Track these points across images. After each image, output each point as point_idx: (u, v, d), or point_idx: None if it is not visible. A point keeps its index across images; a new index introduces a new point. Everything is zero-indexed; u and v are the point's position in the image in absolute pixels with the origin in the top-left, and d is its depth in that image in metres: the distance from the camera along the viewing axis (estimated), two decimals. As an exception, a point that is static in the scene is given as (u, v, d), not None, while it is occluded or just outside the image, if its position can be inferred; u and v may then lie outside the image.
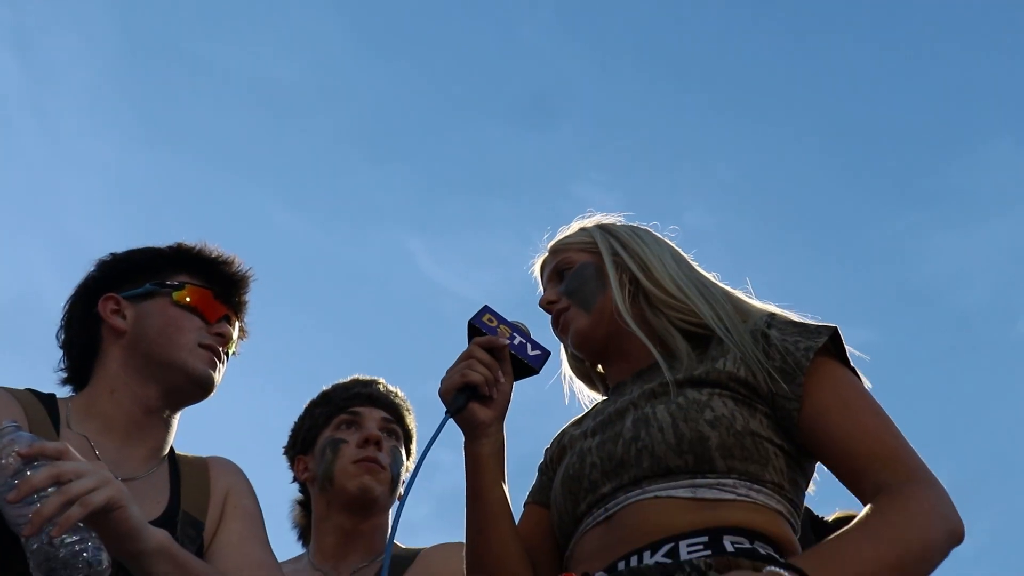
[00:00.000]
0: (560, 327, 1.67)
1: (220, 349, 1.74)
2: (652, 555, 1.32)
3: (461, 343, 1.59)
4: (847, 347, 1.46)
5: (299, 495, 2.38)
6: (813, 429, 1.39)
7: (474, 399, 1.52)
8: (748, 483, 1.37)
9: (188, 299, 1.73)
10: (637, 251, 1.62)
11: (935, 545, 1.24)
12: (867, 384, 1.46)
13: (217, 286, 1.79)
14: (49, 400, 1.64)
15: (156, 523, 1.43)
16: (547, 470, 1.68)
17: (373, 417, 2.23)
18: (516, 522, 1.58)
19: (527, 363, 1.57)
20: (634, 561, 1.32)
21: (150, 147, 6.77)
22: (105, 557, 1.23)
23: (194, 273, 1.78)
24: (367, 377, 2.36)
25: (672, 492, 1.37)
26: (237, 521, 1.64)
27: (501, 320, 1.59)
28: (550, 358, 1.60)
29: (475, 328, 1.59)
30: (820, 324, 1.47)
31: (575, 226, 1.75)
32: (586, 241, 1.69)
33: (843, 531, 1.24)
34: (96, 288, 1.76)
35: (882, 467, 1.32)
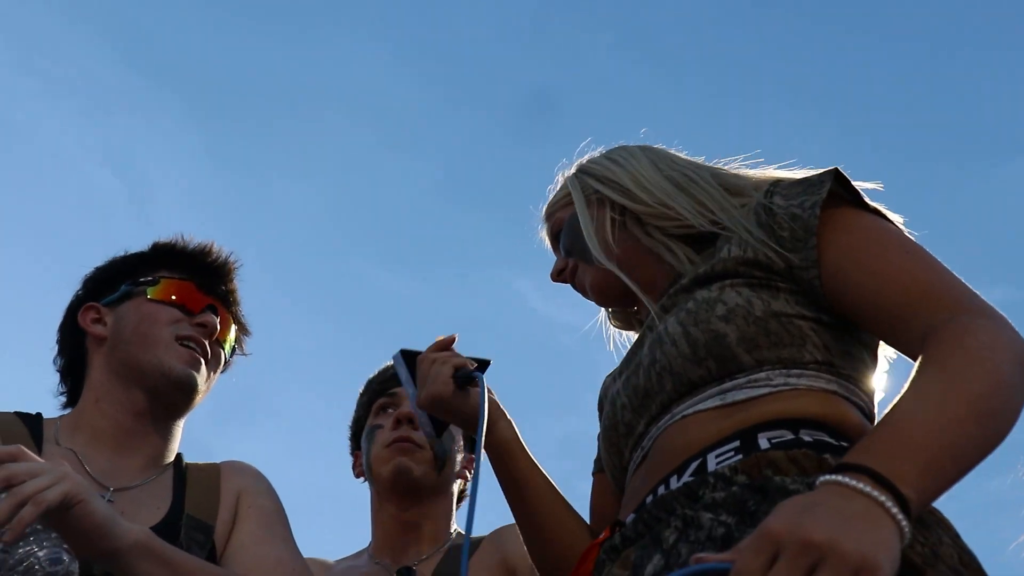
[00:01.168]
0: (580, 290, 1.59)
1: (204, 342, 1.64)
2: (679, 479, 1.18)
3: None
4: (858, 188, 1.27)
5: None
6: (839, 292, 1.21)
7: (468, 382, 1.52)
8: (784, 370, 1.21)
9: (164, 293, 1.65)
10: (613, 178, 1.49)
11: (1008, 379, 1.01)
12: (896, 220, 1.27)
13: (199, 277, 1.70)
14: (35, 420, 1.58)
15: (155, 529, 1.35)
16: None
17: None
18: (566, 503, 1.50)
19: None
20: (662, 491, 1.19)
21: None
22: (67, 557, 1.15)
23: (172, 267, 1.71)
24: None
25: (700, 406, 1.23)
26: (251, 521, 1.54)
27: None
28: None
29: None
30: (821, 172, 1.29)
31: (558, 181, 1.64)
32: (566, 194, 1.59)
33: (897, 402, 1.01)
34: (79, 303, 1.71)
35: (922, 308, 1.11)
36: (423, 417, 1.63)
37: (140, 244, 1.76)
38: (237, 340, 1.79)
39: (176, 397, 1.61)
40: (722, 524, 1.07)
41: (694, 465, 1.18)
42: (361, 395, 2.21)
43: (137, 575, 1.24)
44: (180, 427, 1.68)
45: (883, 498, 0.89)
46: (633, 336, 1.61)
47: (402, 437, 2.01)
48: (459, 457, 2.11)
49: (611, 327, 1.67)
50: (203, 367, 1.64)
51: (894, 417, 0.99)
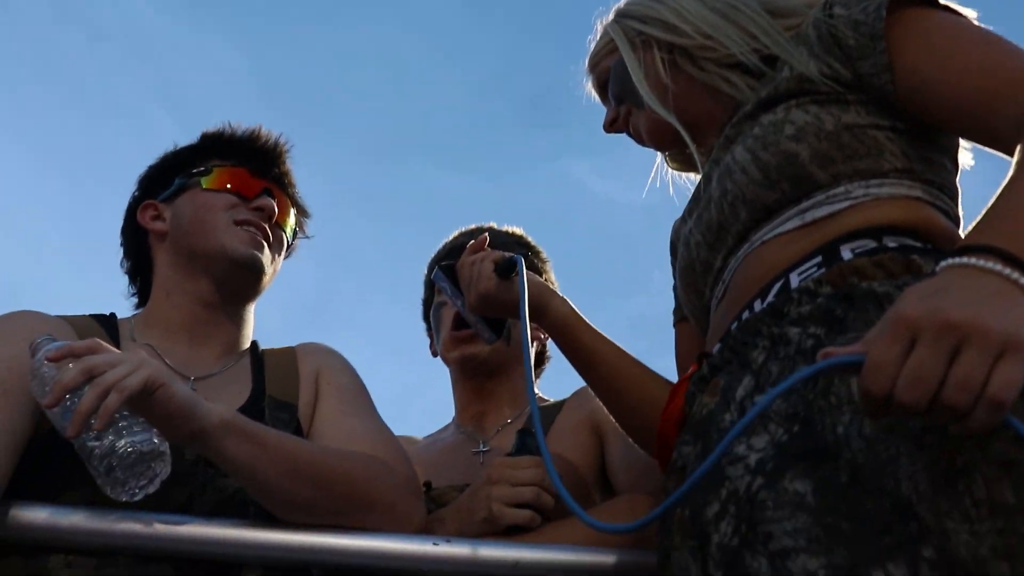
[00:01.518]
0: (635, 136, 1.55)
1: (264, 225, 1.64)
2: (763, 301, 1.17)
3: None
4: None
5: None
6: (915, 93, 1.16)
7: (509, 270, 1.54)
8: (863, 181, 1.18)
9: (218, 181, 1.65)
10: (655, 15, 1.44)
11: None
12: (970, 14, 1.21)
13: (250, 162, 1.70)
14: (109, 320, 1.59)
15: (241, 411, 1.34)
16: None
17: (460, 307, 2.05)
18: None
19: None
20: (746, 316, 1.18)
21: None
22: (157, 440, 1.15)
23: (223, 156, 1.70)
24: (473, 227, 2.14)
25: (779, 230, 1.21)
26: (331, 397, 1.55)
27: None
28: None
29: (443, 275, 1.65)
30: None
31: (597, 30, 1.58)
32: (608, 41, 1.54)
33: (1008, 185, 0.97)
34: (137, 203, 1.72)
35: (1012, 95, 1.06)
36: (479, 323, 1.66)
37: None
38: (298, 223, 1.78)
39: (242, 280, 1.62)
40: (811, 336, 1.06)
41: (777, 286, 1.17)
42: (427, 276, 2.18)
43: (227, 454, 1.23)
44: (251, 313, 1.68)
45: (1015, 275, 0.85)
46: (695, 178, 1.59)
47: (460, 335, 1.97)
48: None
49: (669, 170, 1.64)
50: (266, 249, 1.64)
51: (1009, 199, 0.95)
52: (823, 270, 1.12)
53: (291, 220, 1.75)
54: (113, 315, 1.61)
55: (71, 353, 1.18)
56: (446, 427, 2.09)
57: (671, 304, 1.58)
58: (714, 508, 1.01)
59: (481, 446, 1.91)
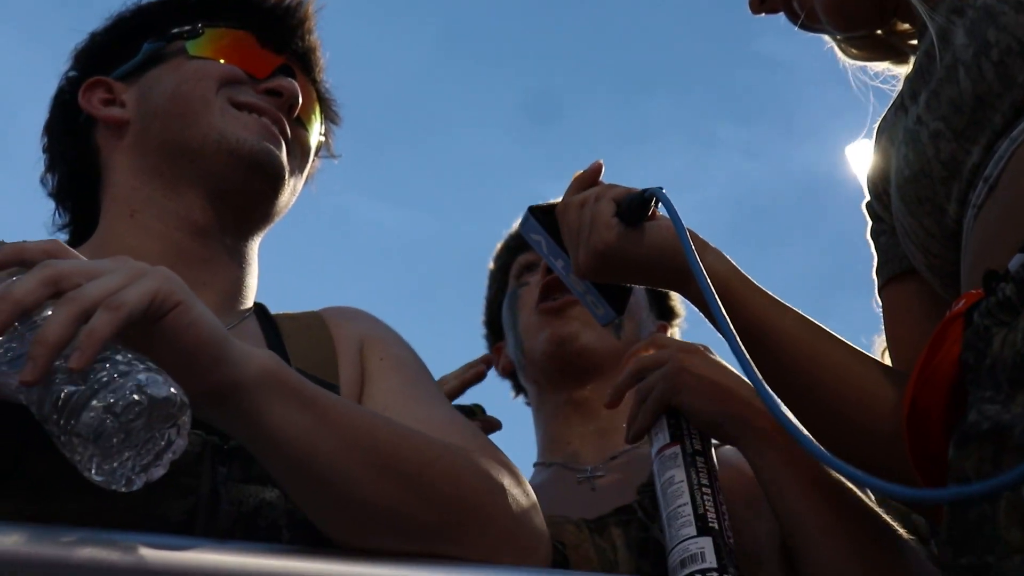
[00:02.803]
0: (800, 14, 1.12)
1: (280, 116, 1.12)
2: None
3: None
4: None
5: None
6: None
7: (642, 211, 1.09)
8: None
9: (212, 48, 1.13)
10: None
11: None
12: None
13: (261, 27, 1.17)
14: None
15: None
16: (882, 217, 1.10)
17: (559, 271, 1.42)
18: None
19: None
20: None
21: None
22: (174, 389, 0.68)
23: (218, 16, 1.17)
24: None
25: None
26: (390, 377, 1.04)
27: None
28: None
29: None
30: None
31: None
32: None
33: None
34: (75, 86, 1.17)
35: None
36: (590, 292, 1.17)
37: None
38: (325, 130, 1.25)
39: (250, 190, 1.09)
40: None
41: None
42: (493, 267, 1.69)
43: (270, 422, 0.77)
44: (255, 251, 1.17)
45: None
46: (878, 69, 1.18)
47: (551, 305, 1.46)
48: (645, 318, 1.56)
49: (845, 60, 1.21)
50: (283, 148, 1.12)
51: None
52: None
53: (316, 120, 1.22)
54: None
55: (19, 259, 0.74)
56: (537, 470, 1.49)
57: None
58: None
59: (589, 471, 1.38)
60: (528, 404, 1.61)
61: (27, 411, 0.69)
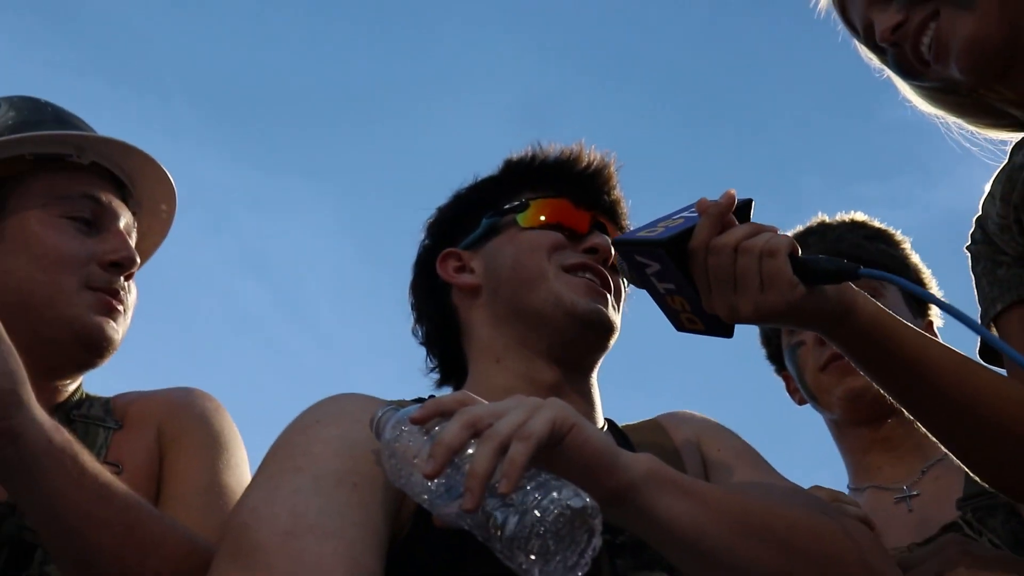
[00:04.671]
0: (930, 52, 1.13)
1: (603, 270, 1.33)
2: None
3: None
4: None
5: None
6: None
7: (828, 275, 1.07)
8: None
9: (537, 217, 1.34)
10: None
11: None
12: None
13: (575, 192, 1.38)
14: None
15: None
16: (1004, 250, 1.17)
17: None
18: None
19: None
20: None
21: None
22: (587, 497, 0.84)
23: (538, 186, 1.39)
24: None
25: None
26: (730, 463, 1.24)
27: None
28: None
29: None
30: None
31: None
32: None
33: None
34: (431, 253, 1.42)
35: None
36: (699, 320, 1.12)
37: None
38: None
39: (587, 340, 1.30)
40: None
41: None
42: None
43: (661, 514, 0.93)
44: (596, 380, 1.37)
45: None
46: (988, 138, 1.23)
47: (838, 354, 1.52)
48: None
49: (923, 107, 1.26)
50: (609, 301, 1.32)
51: None
52: None
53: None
54: (432, 397, 1.30)
55: (439, 410, 0.93)
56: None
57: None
58: None
59: (906, 490, 1.51)
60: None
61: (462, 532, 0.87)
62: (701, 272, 1.06)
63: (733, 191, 1.07)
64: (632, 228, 1.27)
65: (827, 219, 1.72)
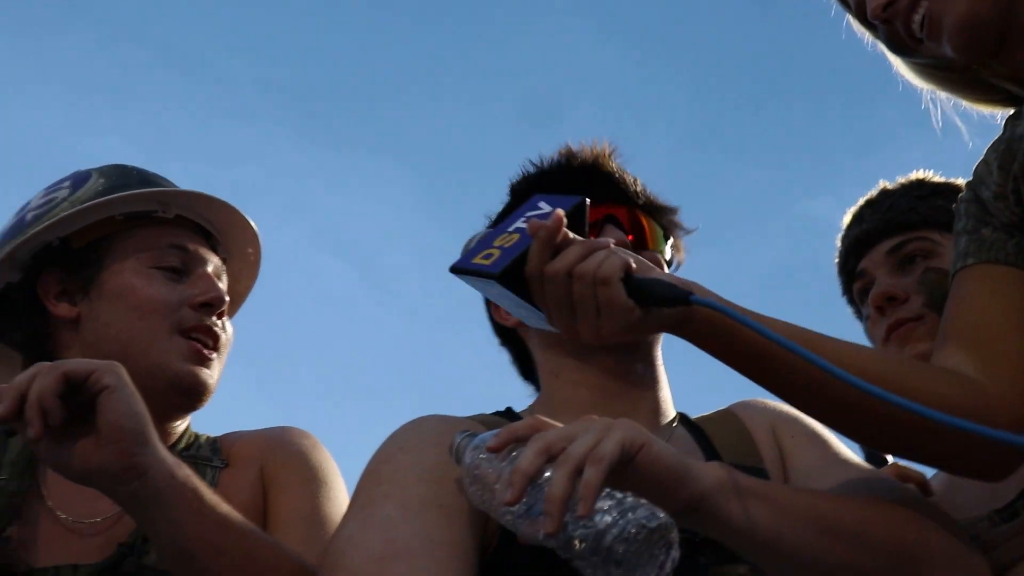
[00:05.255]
0: (922, 29, 1.11)
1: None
2: None
3: None
4: None
5: None
6: None
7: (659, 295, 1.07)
8: None
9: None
10: None
11: None
12: None
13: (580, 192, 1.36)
14: (511, 415, 1.35)
15: None
16: (992, 212, 1.15)
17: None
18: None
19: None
20: None
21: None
22: (661, 513, 0.88)
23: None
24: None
25: None
26: (805, 449, 1.25)
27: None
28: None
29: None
30: None
31: None
32: None
33: None
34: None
35: None
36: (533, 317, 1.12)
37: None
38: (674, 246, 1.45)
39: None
40: None
41: None
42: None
43: (737, 521, 0.97)
44: (662, 366, 1.37)
45: None
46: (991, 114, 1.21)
47: (899, 321, 1.56)
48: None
49: (915, 82, 1.25)
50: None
51: None
52: None
53: (660, 241, 1.43)
54: (509, 409, 1.39)
55: (514, 437, 0.98)
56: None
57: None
58: None
59: None
60: None
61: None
62: (540, 298, 1.07)
63: (561, 212, 1.06)
64: (477, 241, 1.15)
65: (888, 185, 1.70)
